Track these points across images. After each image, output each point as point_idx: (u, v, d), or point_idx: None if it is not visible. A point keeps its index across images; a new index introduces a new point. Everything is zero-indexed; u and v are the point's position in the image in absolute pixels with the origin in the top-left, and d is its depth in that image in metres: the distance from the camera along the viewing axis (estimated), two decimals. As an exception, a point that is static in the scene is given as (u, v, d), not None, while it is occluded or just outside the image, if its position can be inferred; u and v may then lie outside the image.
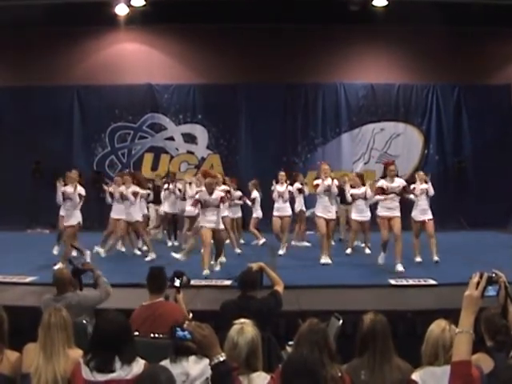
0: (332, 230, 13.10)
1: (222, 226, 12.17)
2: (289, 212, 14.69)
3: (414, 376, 4.17)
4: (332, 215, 12.90)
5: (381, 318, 4.57)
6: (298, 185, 15.16)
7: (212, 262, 11.69)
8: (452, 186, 20.15)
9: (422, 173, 13.61)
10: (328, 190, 12.63)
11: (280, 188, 14.59)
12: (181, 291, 6.41)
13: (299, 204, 15.38)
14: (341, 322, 6.09)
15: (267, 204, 15.33)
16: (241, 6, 17.97)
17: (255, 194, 15.65)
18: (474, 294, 3.23)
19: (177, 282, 6.37)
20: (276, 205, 14.59)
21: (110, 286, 7.04)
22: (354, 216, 14.36)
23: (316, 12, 18.20)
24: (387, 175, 11.99)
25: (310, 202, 15.04)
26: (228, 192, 13.99)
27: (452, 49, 19.71)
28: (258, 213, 15.61)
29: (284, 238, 14.52)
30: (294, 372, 3.37)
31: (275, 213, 14.55)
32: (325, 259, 12.52)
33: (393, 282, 10.44)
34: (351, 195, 14.19)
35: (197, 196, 12.10)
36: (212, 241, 11.63)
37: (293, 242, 15.32)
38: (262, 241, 15.24)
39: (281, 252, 14.22)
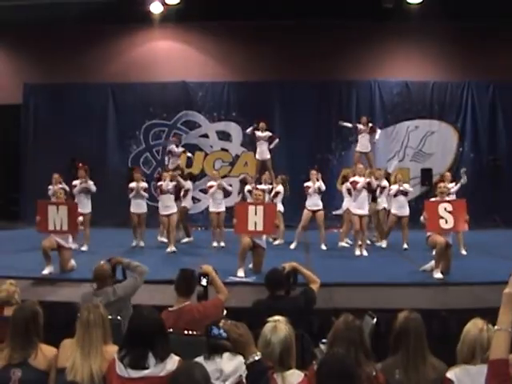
0: (365, 225, 14.07)
1: (262, 242, 11.55)
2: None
3: (449, 374, 4.14)
4: (365, 211, 14.04)
5: (415, 315, 4.56)
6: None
7: (250, 266, 11.44)
8: (487, 183, 19.87)
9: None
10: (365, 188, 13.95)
11: (311, 184, 14.77)
12: (208, 289, 6.42)
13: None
14: (375, 320, 6.07)
15: (296, 200, 15.91)
16: (275, 3, 17.99)
17: (280, 188, 15.40)
18: None
19: (203, 281, 6.39)
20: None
21: (142, 265, 7.11)
22: (394, 211, 14.55)
23: (350, 9, 18.09)
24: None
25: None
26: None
27: (487, 46, 19.45)
28: (278, 206, 14.98)
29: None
30: (330, 373, 3.36)
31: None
32: (359, 251, 13.55)
33: (428, 280, 10.42)
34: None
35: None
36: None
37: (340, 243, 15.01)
38: (278, 242, 15.20)
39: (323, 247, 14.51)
